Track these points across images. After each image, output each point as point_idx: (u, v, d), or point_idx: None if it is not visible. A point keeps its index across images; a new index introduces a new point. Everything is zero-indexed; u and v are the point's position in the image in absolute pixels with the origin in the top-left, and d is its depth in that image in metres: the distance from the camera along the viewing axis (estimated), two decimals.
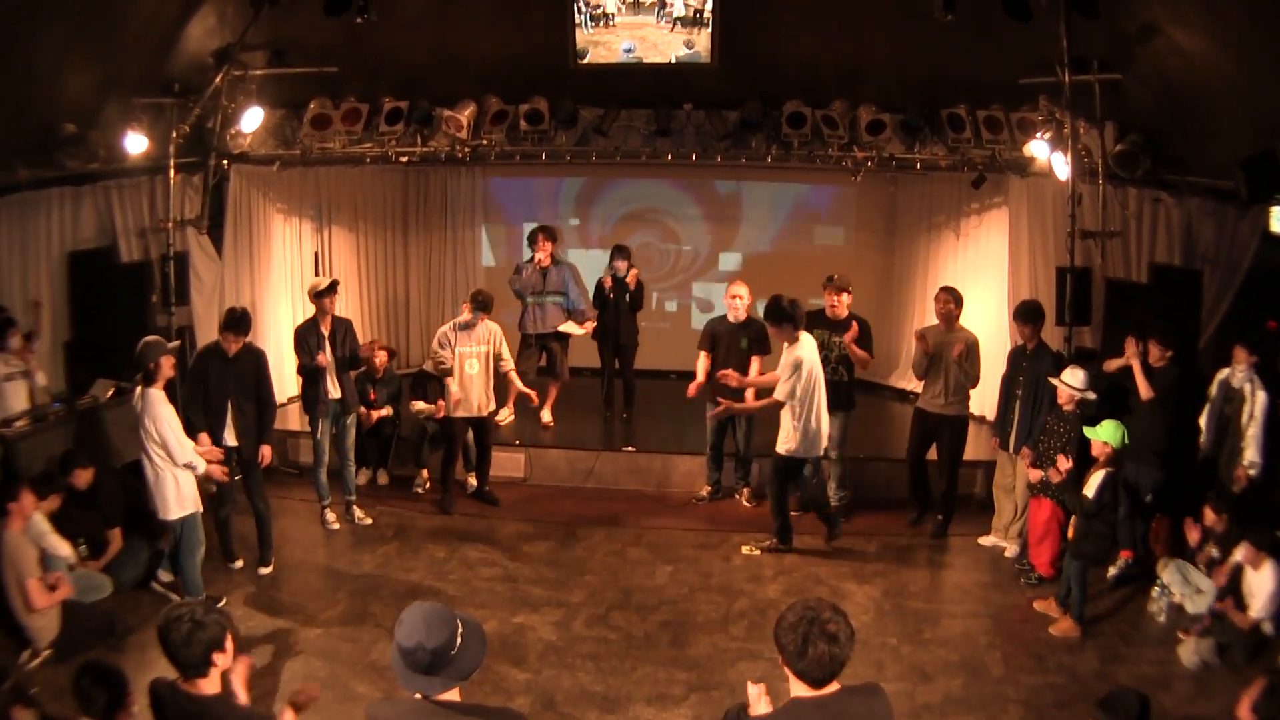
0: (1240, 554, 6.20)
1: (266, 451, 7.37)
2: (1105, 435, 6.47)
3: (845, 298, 8.13)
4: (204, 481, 6.74)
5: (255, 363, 7.28)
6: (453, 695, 3.06)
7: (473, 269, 12.47)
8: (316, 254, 11.18)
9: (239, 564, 7.42)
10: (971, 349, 7.86)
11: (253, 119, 8.81)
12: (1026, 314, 7.55)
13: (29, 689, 4.76)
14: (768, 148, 9.59)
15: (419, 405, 8.99)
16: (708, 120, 9.72)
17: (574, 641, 6.44)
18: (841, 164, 9.69)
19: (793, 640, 2.96)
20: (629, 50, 9.28)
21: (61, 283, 8.38)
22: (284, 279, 10.67)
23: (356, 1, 8.35)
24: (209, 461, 6.63)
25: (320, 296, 7.89)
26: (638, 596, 7.09)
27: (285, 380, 10.56)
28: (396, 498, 8.90)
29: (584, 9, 9.17)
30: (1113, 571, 7.34)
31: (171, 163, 8.58)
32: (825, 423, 7.49)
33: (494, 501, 8.72)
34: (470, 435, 8.67)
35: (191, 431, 6.83)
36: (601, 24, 9.20)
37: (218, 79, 8.47)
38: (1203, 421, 7.22)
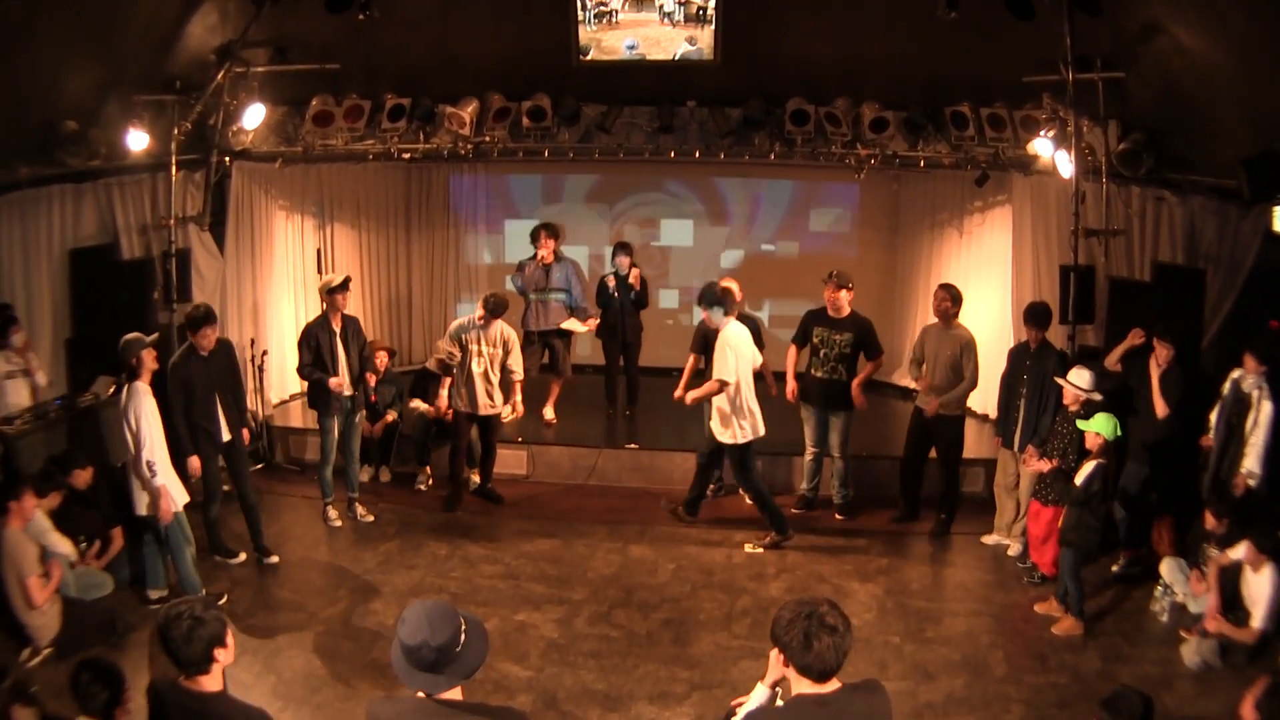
0: (1240, 553, 6.18)
1: (246, 434, 7.58)
2: (1098, 427, 6.48)
3: (845, 294, 8.12)
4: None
5: (228, 354, 7.49)
6: (455, 694, 3.05)
7: (475, 266, 12.46)
8: (319, 251, 11.17)
9: (241, 558, 7.43)
10: (968, 349, 7.87)
11: (254, 116, 8.79)
12: (1037, 317, 7.56)
13: (29, 687, 4.76)
14: (771, 145, 9.58)
15: (419, 405, 9.00)
16: (711, 117, 9.71)
17: (576, 639, 6.44)
18: (845, 162, 9.68)
19: (795, 636, 2.97)
20: (632, 47, 9.26)
21: (63, 280, 8.36)
22: (286, 276, 10.66)
23: None
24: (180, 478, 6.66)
25: (333, 293, 7.91)
26: (640, 594, 7.09)
27: (287, 377, 10.58)
28: (398, 495, 8.90)
29: (587, 6, 9.15)
30: (1115, 570, 7.36)
31: (173, 160, 8.56)
32: (755, 404, 7.67)
33: (496, 499, 8.71)
34: (475, 432, 8.67)
35: (184, 446, 6.90)
36: (604, 21, 9.18)
37: (219, 76, 8.45)
38: (1213, 418, 7.18)
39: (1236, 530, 6.32)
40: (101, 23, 7.45)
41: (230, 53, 8.47)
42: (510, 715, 3.22)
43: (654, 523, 8.31)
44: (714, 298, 7.52)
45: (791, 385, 8.35)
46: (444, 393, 8.40)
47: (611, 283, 9.92)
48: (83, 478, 6.85)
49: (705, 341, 8.42)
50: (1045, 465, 6.93)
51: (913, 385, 8.64)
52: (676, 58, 9.29)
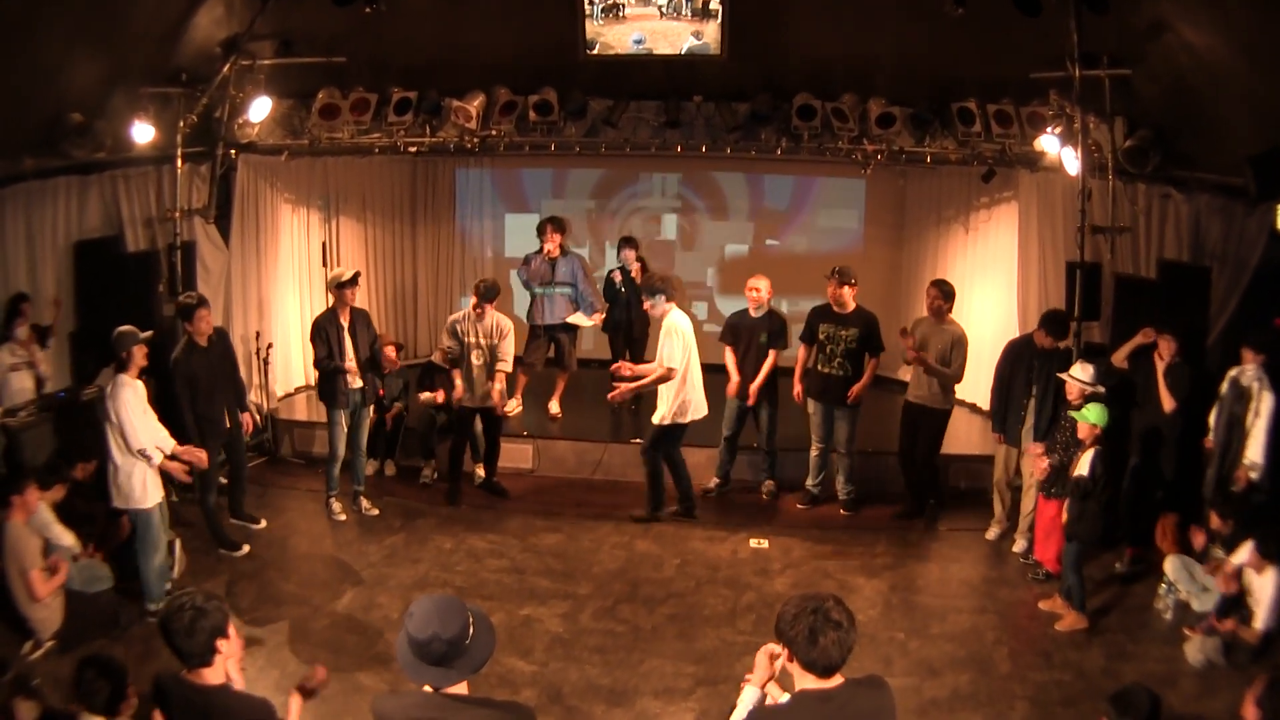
0: (1244, 556, 6.17)
1: (247, 419, 7.66)
2: (1092, 417, 6.50)
3: (849, 290, 8.12)
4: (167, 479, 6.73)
5: (224, 342, 7.58)
6: (460, 688, 3.05)
7: (481, 260, 12.45)
8: (324, 244, 11.16)
9: (245, 550, 7.44)
10: (958, 344, 7.89)
11: (260, 109, 8.78)
12: (1056, 326, 7.56)
13: (31, 681, 4.77)
14: (777, 140, 9.55)
15: (424, 395, 9.01)
16: (717, 112, 9.68)
17: (581, 634, 6.45)
18: (851, 157, 9.65)
19: (800, 631, 2.98)
20: (639, 42, 9.24)
21: (67, 272, 8.36)
22: (291, 269, 10.66)
23: None
24: (186, 461, 6.60)
25: (342, 287, 7.91)
26: (645, 589, 7.09)
27: (292, 370, 10.59)
28: (403, 489, 8.90)
29: (594, 0, 9.13)
30: (1119, 569, 7.35)
31: (178, 152, 8.55)
32: (701, 391, 7.88)
33: (502, 493, 8.72)
34: (480, 426, 8.66)
35: (191, 439, 6.91)
36: (611, 15, 9.16)
37: (225, 68, 8.43)
38: (1212, 419, 7.19)
39: (1241, 532, 6.31)
40: (107, 15, 7.44)
41: (236, 45, 8.46)
42: (515, 710, 3.21)
43: (659, 517, 8.28)
44: (653, 288, 7.81)
45: (798, 387, 8.39)
46: (459, 382, 8.33)
47: (618, 278, 9.91)
48: (85, 470, 6.86)
49: (735, 333, 8.46)
50: (1046, 462, 6.95)
51: None
52: (683, 52, 9.27)
